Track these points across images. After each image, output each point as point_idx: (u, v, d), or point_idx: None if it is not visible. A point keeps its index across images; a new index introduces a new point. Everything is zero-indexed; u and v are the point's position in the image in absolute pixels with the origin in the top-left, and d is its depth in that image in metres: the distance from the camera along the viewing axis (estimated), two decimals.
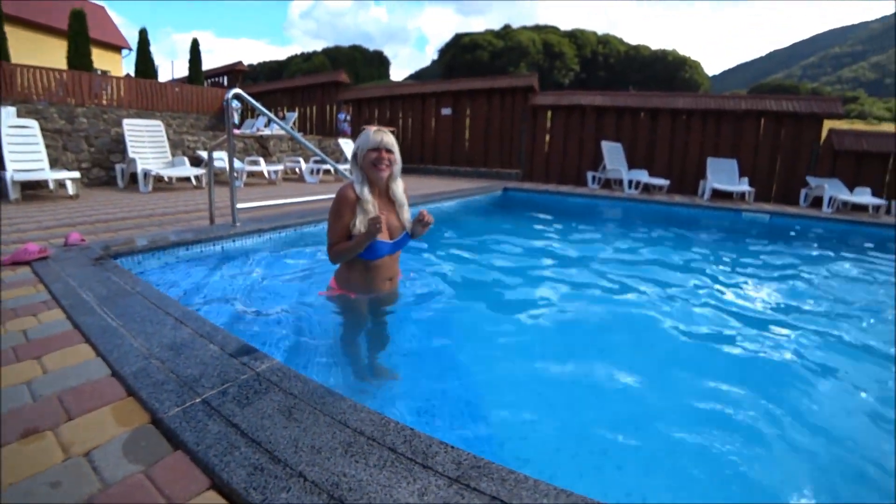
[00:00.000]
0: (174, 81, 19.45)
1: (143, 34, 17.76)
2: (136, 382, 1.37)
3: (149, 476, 1.03)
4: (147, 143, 7.21)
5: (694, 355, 2.53)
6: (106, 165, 7.28)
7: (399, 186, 2.32)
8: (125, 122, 7.11)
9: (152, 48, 18.02)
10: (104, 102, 13.54)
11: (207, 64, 20.00)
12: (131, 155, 6.81)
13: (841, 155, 9.33)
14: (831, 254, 5.52)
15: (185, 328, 1.76)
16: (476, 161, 12.48)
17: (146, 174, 6.62)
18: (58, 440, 1.14)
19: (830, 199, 8.48)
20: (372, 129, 2.21)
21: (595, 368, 2.27)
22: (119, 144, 7.28)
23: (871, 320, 3.24)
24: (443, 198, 7.10)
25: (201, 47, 18.83)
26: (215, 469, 1.02)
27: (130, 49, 21.81)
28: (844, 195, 8.48)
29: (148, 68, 17.68)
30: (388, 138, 2.19)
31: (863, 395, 2.18)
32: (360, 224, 2.13)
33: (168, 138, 7.75)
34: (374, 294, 2.36)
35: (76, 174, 5.71)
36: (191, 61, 18.69)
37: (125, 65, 23.06)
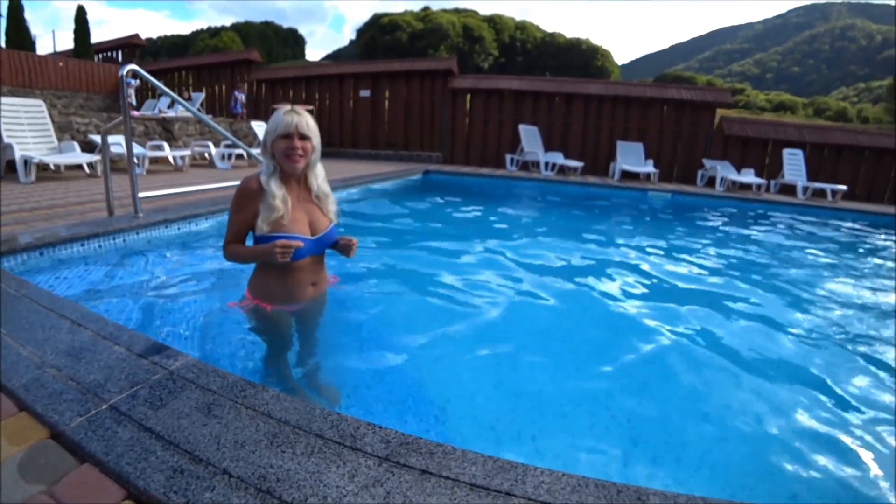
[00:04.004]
0: (57, 55, 17.22)
1: None
2: (29, 395, 1.24)
3: (53, 495, 0.95)
4: (26, 126, 6.37)
5: (612, 323, 2.73)
6: None
7: (319, 175, 1.97)
8: None
9: (27, 15, 15.83)
10: None
11: (98, 36, 18.04)
12: (6, 140, 5.99)
13: (730, 140, 10.39)
14: (722, 224, 6.19)
15: (84, 331, 1.62)
16: (397, 144, 12.38)
17: (27, 162, 5.86)
18: None
19: (722, 178, 9.42)
20: (283, 108, 1.83)
21: (519, 342, 2.38)
22: None
23: (758, 277, 3.76)
24: (363, 181, 7.00)
25: (89, 16, 16.79)
26: (130, 477, 0.97)
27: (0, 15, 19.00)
28: (733, 175, 9.45)
29: (22, 38, 15.51)
30: (303, 121, 1.80)
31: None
32: (261, 221, 1.80)
33: (53, 120, 6.89)
34: (296, 304, 1.98)
35: None
36: (76, 32, 16.60)
37: None
